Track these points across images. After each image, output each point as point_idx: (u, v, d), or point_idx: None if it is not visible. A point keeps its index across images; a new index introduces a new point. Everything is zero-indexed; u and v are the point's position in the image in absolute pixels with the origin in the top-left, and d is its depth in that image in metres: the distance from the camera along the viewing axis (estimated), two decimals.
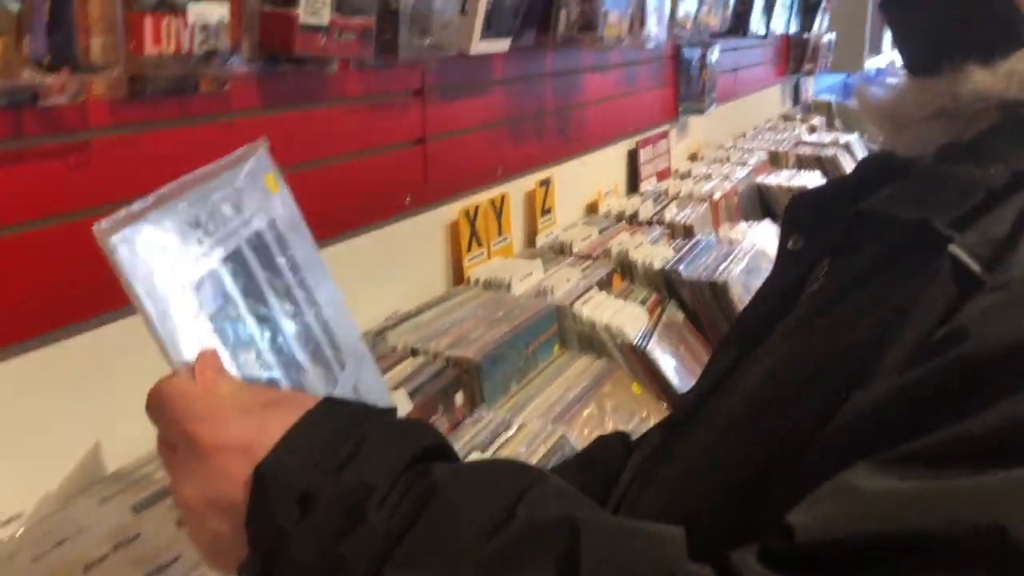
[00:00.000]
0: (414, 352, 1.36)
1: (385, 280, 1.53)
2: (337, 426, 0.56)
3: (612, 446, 0.91)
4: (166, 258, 0.59)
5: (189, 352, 0.58)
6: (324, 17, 1.14)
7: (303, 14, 1.10)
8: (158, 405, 0.58)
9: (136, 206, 0.58)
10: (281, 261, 0.71)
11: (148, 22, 0.92)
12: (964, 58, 0.63)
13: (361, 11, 1.22)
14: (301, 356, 0.68)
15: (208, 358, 0.59)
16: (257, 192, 0.71)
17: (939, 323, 0.54)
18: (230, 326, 0.62)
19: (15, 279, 0.90)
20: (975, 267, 0.55)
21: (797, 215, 0.84)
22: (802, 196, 0.87)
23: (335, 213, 1.36)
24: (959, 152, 0.64)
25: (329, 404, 0.58)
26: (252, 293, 0.66)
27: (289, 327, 0.68)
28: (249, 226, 0.68)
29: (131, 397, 0.64)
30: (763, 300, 0.81)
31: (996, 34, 0.63)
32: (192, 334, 0.59)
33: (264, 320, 0.66)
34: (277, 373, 0.64)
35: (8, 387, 0.92)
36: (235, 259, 0.65)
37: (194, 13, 0.96)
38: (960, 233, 0.57)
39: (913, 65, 0.71)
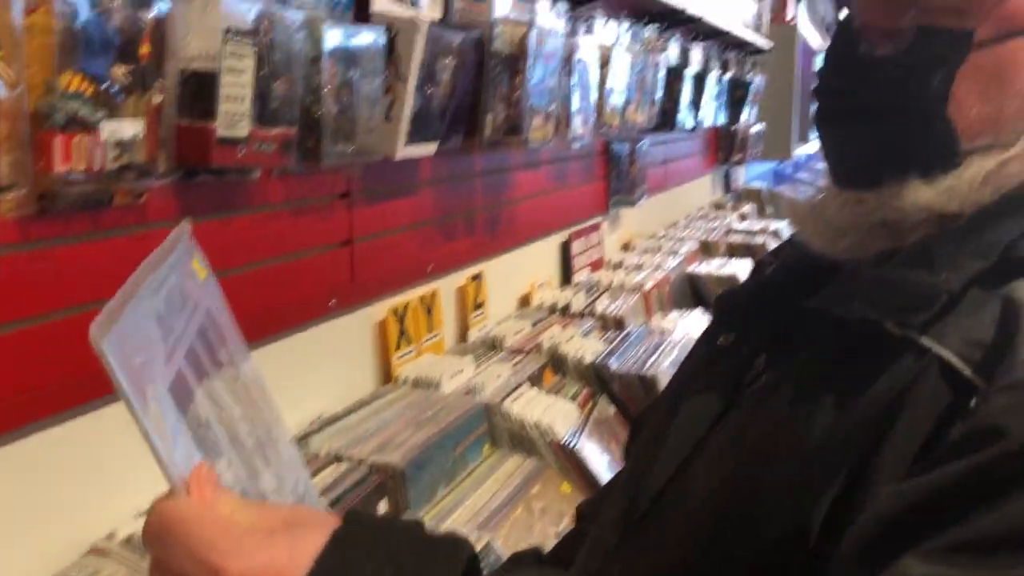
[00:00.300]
0: (337, 458, 1.34)
1: (311, 382, 1.51)
2: (370, 549, 0.56)
3: (526, 561, 0.90)
4: (149, 360, 0.56)
5: (182, 465, 0.56)
6: (243, 129, 1.15)
7: (220, 128, 1.11)
8: (160, 533, 0.55)
9: (114, 303, 0.55)
10: (223, 356, 0.69)
11: (58, 140, 0.92)
12: (906, 174, 0.69)
13: (282, 121, 1.24)
14: (258, 460, 0.66)
15: (203, 474, 0.57)
16: (191, 280, 0.69)
17: (937, 424, 0.58)
18: (203, 432, 0.60)
19: None
20: (966, 371, 0.59)
21: (727, 311, 0.87)
22: (731, 292, 0.89)
23: (260, 317, 1.35)
24: (905, 259, 0.69)
25: (354, 522, 0.58)
26: (210, 394, 0.64)
27: (243, 429, 0.66)
28: (194, 319, 0.66)
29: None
30: (696, 395, 0.81)
31: (936, 154, 0.68)
32: (179, 444, 0.56)
33: (223, 423, 0.64)
34: (244, 480, 0.62)
35: None
36: (190, 356, 0.63)
37: (107, 130, 0.97)
38: (928, 335, 0.62)
39: (850, 178, 0.75)
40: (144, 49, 1.01)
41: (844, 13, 0.75)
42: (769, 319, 0.77)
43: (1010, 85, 0.68)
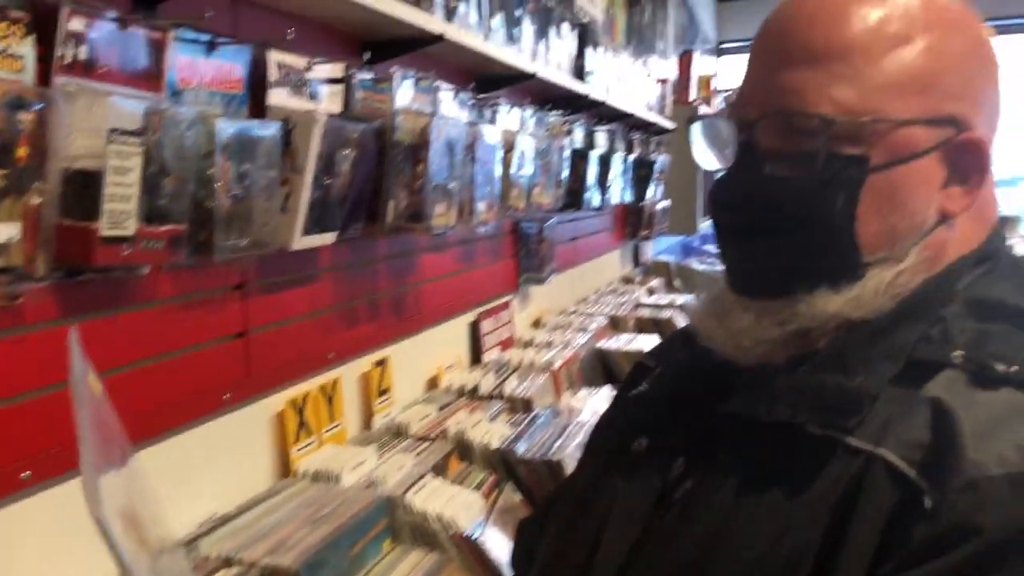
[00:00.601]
0: (228, 562, 1.29)
1: (205, 480, 1.46)
2: None
3: None
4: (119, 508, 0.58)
5: None
6: (129, 228, 1.13)
7: (104, 227, 1.08)
8: None
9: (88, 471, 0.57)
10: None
11: None
12: (816, 285, 0.76)
13: (171, 217, 1.21)
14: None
15: None
16: (92, 400, 0.68)
17: (889, 524, 0.63)
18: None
19: None
20: (910, 472, 0.64)
21: (639, 415, 0.89)
22: (640, 397, 0.92)
23: (151, 414, 1.31)
24: (821, 363, 0.75)
25: None
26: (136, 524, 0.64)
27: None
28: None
29: None
30: (621, 501, 0.82)
31: (842, 266, 0.77)
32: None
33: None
34: None
35: None
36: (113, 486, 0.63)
37: None
38: (857, 437, 0.68)
39: (760, 289, 0.80)
40: (21, 152, 0.99)
41: (747, 137, 0.81)
42: (683, 424, 0.81)
43: (902, 205, 0.76)
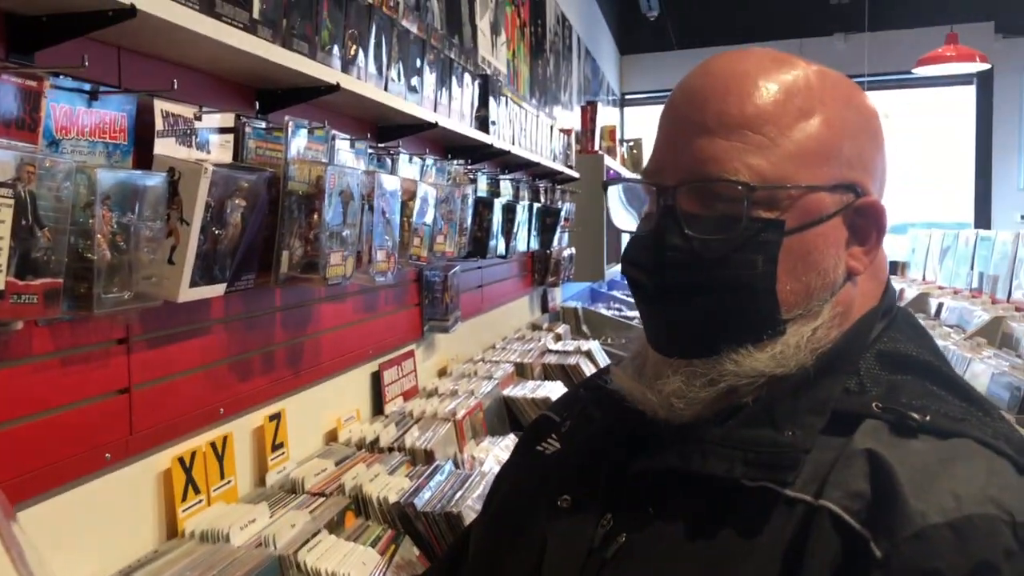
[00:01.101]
0: None
1: (86, 543, 1.39)
2: None
3: None
4: None
5: None
6: None
7: None
8: None
9: None
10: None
11: None
12: (740, 343, 0.80)
13: (46, 271, 1.17)
14: None
15: None
16: None
17: (838, 570, 0.66)
18: None
19: None
20: (854, 523, 0.67)
21: (558, 473, 0.89)
22: (561, 454, 0.94)
23: (29, 475, 1.25)
24: (749, 417, 0.77)
25: None
26: None
27: None
28: None
29: None
30: (552, 558, 0.83)
31: (764, 324, 0.81)
32: None
33: None
34: None
35: None
36: None
37: None
38: (795, 489, 0.71)
39: (684, 349, 0.83)
40: None
41: (667, 202, 0.84)
42: (607, 480, 0.83)
43: (814, 265, 0.81)
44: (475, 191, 3.11)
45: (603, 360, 4.00)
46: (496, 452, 2.50)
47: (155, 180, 1.37)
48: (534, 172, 4.08)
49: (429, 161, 2.63)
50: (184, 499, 1.60)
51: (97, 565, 1.41)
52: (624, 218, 0.91)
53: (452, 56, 2.75)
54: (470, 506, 1.89)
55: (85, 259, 1.27)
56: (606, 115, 5.87)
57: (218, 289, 1.56)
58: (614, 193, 0.93)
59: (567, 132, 4.73)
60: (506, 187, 3.60)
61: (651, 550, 0.76)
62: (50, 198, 1.18)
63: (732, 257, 0.80)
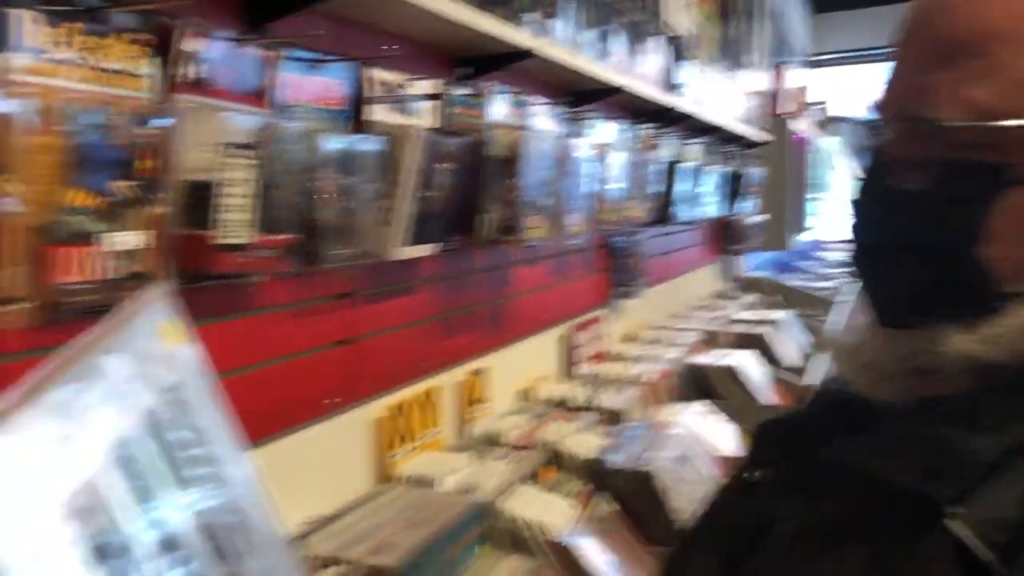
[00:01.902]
0: (333, 561, 1.34)
1: (308, 482, 1.52)
2: None
3: None
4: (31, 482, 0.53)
5: None
6: (243, 236, 1.19)
7: (220, 236, 1.15)
8: None
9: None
10: (178, 436, 0.66)
11: (60, 253, 0.96)
12: (940, 318, 0.65)
13: (282, 227, 1.28)
14: (200, 557, 0.64)
15: None
16: (151, 354, 0.66)
17: None
18: (116, 550, 0.57)
19: None
20: (988, 555, 0.55)
21: (762, 446, 0.84)
22: (770, 424, 0.85)
23: (259, 418, 1.37)
24: (947, 414, 0.64)
25: None
26: (141, 492, 0.61)
27: (187, 522, 0.64)
28: (137, 402, 0.63)
29: None
30: (722, 529, 0.80)
31: (969, 297, 0.65)
32: None
33: (156, 524, 0.61)
34: None
35: None
36: (120, 450, 0.60)
37: (109, 242, 1.01)
38: (955, 508, 0.57)
39: (887, 317, 0.71)
40: (146, 164, 1.06)
41: (877, 145, 0.71)
42: (800, 461, 0.74)
43: None
44: (662, 156, 3.09)
45: (793, 331, 3.88)
46: (685, 417, 2.49)
47: (372, 145, 1.46)
48: (721, 136, 3.99)
49: (619, 126, 2.63)
50: (395, 446, 1.71)
51: (320, 501, 1.53)
52: (853, 164, 0.81)
53: (641, 19, 2.73)
54: (662, 465, 1.90)
55: (312, 218, 1.37)
56: (796, 77, 5.64)
57: (428, 249, 1.64)
58: (844, 134, 0.82)
59: (755, 95, 4.59)
60: (693, 152, 3.55)
61: (805, 546, 0.69)
62: (282, 161, 1.28)
63: (934, 212, 0.66)
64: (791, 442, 0.80)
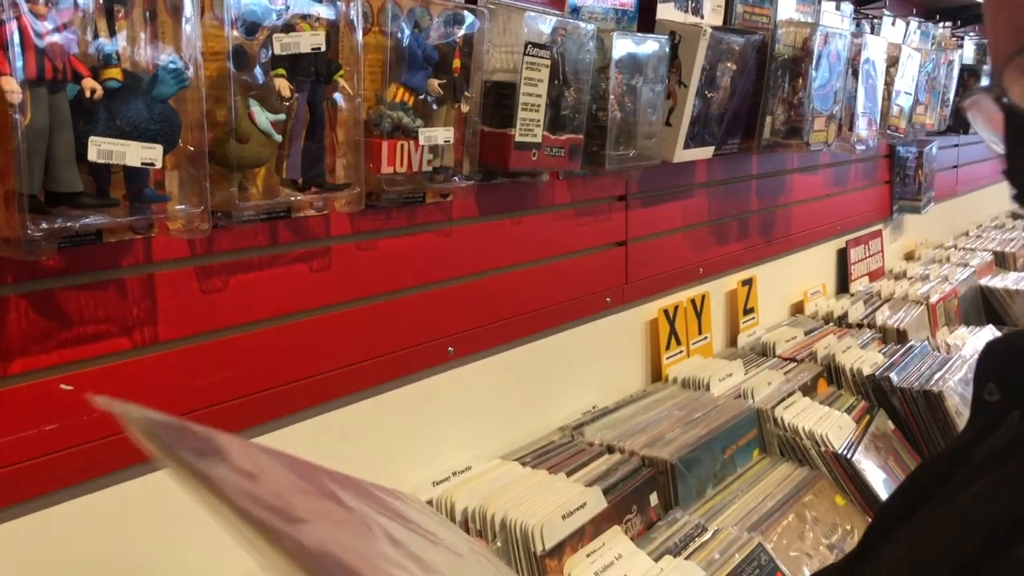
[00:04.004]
0: (610, 449, 1.40)
1: (587, 375, 1.58)
2: None
3: None
4: None
5: None
6: (537, 135, 1.24)
7: (518, 133, 1.20)
8: None
9: None
10: None
11: (385, 146, 1.05)
12: None
13: (570, 128, 1.31)
14: None
15: None
16: None
17: None
18: None
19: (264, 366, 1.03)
20: None
21: (992, 363, 0.80)
22: (999, 342, 0.82)
23: (543, 310, 1.44)
24: None
25: None
26: None
27: None
28: None
29: None
30: (958, 448, 0.77)
31: None
32: None
33: None
34: None
35: None
36: None
37: (424, 137, 1.08)
38: None
39: None
40: (455, 63, 1.12)
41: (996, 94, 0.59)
42: None
43: None
44: (960, 58, 2.81)
45: None
46: (973, 341, 2.32)
47: (659, 44, 1.44)
48: None
49: (913, 24, 2.42)
50: (668, 348, 1.73)
51: (598, 394, 1.59)
52: None
53: None
54: (952, 387, 1.79)
55: (597, 119, 1.40)
56: None
57: (707, 152, 1.62)
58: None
59: None
60: None
61: (1017, 458, 0.62)
62: (575, 61, 1.31)
63: None
64: (1018, 360, 0.74)
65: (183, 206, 0.89)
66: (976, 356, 0.80)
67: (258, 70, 0.93)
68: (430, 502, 1.18)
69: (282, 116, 0.95)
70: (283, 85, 0.94)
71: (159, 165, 0.82)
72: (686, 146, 1.55)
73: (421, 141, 1.08)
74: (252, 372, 1.02)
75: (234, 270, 0.99)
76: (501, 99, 1.21)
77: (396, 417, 1.21)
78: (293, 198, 0.99)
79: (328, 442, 1.12)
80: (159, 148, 0.82)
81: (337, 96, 1.01)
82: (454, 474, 1.25)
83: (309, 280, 1.07)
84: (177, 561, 0.98)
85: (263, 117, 0.94)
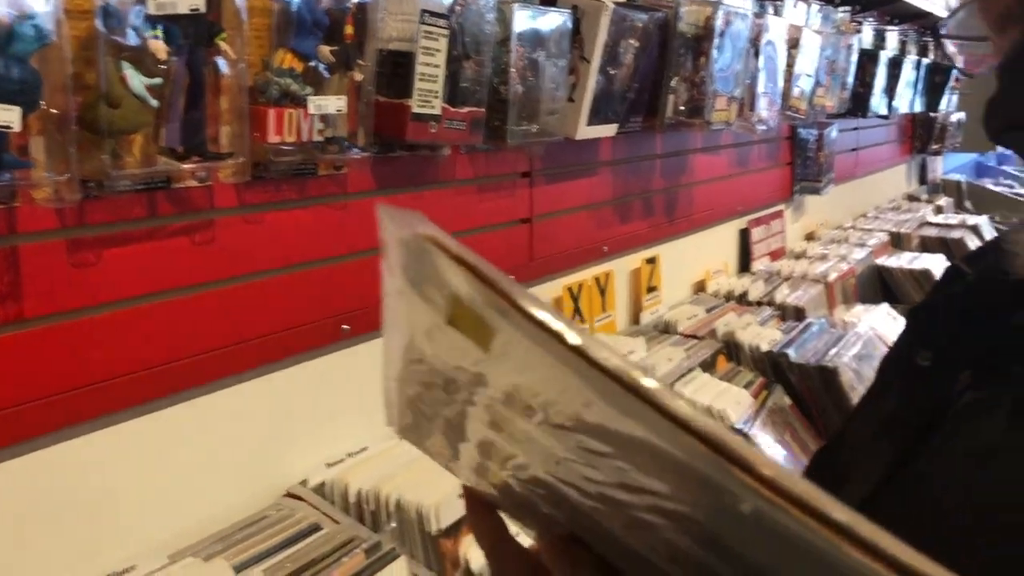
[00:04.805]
0: None
1: None
2: None
3: None
4: None
5: None
6: (436, 107, 1.21)
7: (415, 104, 1.17)
8: None
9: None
10: None
11: (271, 114, 1.00)
12: None
13: (471, 100, 1.29)
14: None
15: None
16: None
17: None
18: None
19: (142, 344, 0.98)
20: None
21: (922, 327, 0.81)
22: (928, 306, 0.83)
23: None
24: None
25: None
26: None
27: None
28: None
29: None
30: (896, 414, 0.78)
31: None
32: None
33: None
34: None
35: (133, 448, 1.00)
36: None
37: (314, 105, 1.04)
38: None
39: None
40: (348, 30, 1.08)
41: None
42: (976, 335, 0.72)
43: None
44: (859, 42, 2.88)
45: (991, 236, 3.61)
46: (869, 319, 2.39)
47: (561, 18, 1.43)
48: (925, 24, 3.67)
49: (815, 7, 2.46)
50: None
51: None
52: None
53: None
54: (847, 363, 1.84)
55: (499, 93, 1.37)
56: None
57: (610, 129, 1.62)
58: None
59: None
60: (893, 40, 3.29)
61: (992, 415, 0.64)
62: (474, 32, 1.28)
63: None
64: (957, 320, 0.76)
65: (49, 173, 0.83)
66: (904, 324, 0.81)
67: (131, 31, 0.88)
68: (322, 485, 1.15)
69: (158, 80, 0.89)
70: (158, 47, 0.89)
71: (17, 128, 0.77)
72: (589, 123, 1.54)
73: (311, 110, 1.04)
74: (128, 351, 0.96)
75: (108, 243, 0.94)
76: (397, 68, 1.18)
77: (288, 397, 1.17)
78: (173, 167, 0.94)
79: (215, 424, 1.08)
80: (17, 110, 0.77)
81: (220, 61, 0.97)
82: (349, 455, 1.22)
83: (191, 254, 1.02)
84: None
85: (137, 81, 0.88)
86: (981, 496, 0.61)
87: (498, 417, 0.40)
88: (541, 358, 0.33)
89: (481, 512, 0.51)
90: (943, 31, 0.72)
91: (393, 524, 1.11)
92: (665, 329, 1.98)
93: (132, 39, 0.87)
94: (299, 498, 1.15)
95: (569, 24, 1.44)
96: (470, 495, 0.52)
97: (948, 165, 4.99)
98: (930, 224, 3.58)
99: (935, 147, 4.22)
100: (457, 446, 0.46)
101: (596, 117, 1.56)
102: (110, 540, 0.98)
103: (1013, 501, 0.58)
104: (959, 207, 4.41)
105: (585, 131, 1.54)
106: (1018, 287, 0.71)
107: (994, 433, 0.62)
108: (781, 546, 0.29)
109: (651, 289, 2.04)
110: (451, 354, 0.39)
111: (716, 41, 1.74)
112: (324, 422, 1.23)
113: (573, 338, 0.31)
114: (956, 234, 3.36)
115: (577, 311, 1.75)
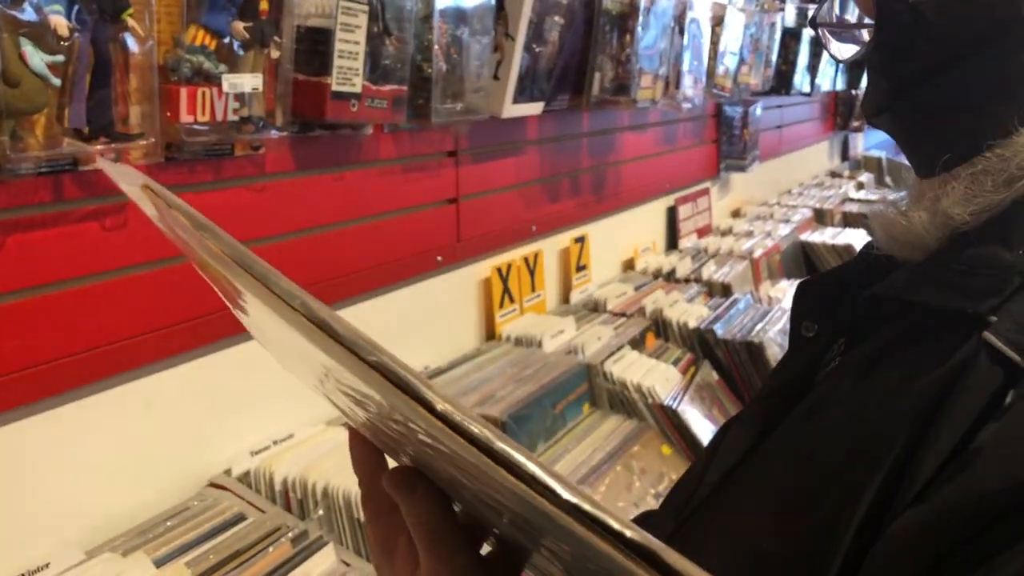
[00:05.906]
0: None
1: (418, 336, 1.55)
2: None
3: None
4: None
5: None
6: (356, 85, 1.18)
7: (335, 82, 1.14)
8: None
9: None
10: None
11: (183, 93, 0.96)
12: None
13: (393, 78, 1.26)
14: None
15: None
16: None
17: (978, 419, 0.53)
18: None
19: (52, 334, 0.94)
20: (1015, 356, 0.53)
21: (807, 301, 0.84)
22: (811, 282, 0.86)
23: (369, 270, 1.39)
24: (980, 232, 0.61)
25: None
26: None
27: None
28: None
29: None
30: (779, 384, 0.81)
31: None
32: None
33: None
34: None
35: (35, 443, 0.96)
36: None
37: (228, 83, 1.01)
38: (994, 318, 0.55)
39: (935, 162, 0.65)
40: (263, 5, 1.05)
41: None
42: (847, 306, 0.74)
43: None
44: (783, 20, 2.92)
45: None
46: (793, 293, 2.44)
47: None
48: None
49: None
50: (501, 306, 1.72)
51: (431, 356, 1.57)
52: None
53: None
54: (772, 338, 1.87)
55: (423, 70, 1.35)
56: None
57: (536, 107, 1.61)
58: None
59: None
60: None
61: (847, 379, 0.68)
62: (395, 9, 1.25)
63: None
64: (835, 293, 0.79)
65: None
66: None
67: (29, 6, 0.83)
68: (247, 474, 1.13)
69: (60, 57, 0.85)
70: (59, 23, 0.85)
71: None
72: (515, 101, 1.53)
73: (225, 88, 1.01)
74: (38, 341, 0.92)
75: (11, 229, 0.90)
76: (316, 45, 1.14)
77: (209, 385, 1.14)
78: (79, 149, 0.90)
79: (131, 413, 1.05)
80: None
81: (128, 38, 0.93)
82: (275, 442, 1.19)
83: (102, 240, 0.98)
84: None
85: (37, 58, 0.84)
86: (803, 450, 0.64)
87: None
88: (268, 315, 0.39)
89: (354, 443, 0.55)
90: (817, 21, 0.74)
91: (320, 511, 1.09)
92: (595, 308, 1.98)
93: (31, 14, 0.83)
94: (223, 488, 1.12)
95: (492, 1, 1.43)
96: (350, 427, 0.57)
97: (869, 142, 5.12)
98: (852, 200, 3.66)
99: (856, 124, 4.32)
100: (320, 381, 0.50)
101: (522, 95, 1.55)
102: (21, 538, 0.94)
103: (825, 451, 0.60)
104: (880, 183, 4.53)
105: (511, 109, 1.53)
106: (877, 261, 0.73)
107: (839, 393, 0.65)
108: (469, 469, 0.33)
109: (580, 268, 2.04)
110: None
111: (641, 19, 1.74)
112: (248, 409, 1.21)
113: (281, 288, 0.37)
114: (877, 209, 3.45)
115: (507, 291, 1.74)
